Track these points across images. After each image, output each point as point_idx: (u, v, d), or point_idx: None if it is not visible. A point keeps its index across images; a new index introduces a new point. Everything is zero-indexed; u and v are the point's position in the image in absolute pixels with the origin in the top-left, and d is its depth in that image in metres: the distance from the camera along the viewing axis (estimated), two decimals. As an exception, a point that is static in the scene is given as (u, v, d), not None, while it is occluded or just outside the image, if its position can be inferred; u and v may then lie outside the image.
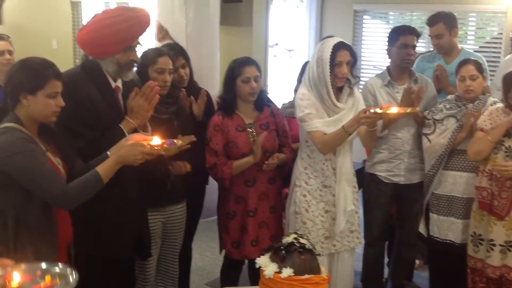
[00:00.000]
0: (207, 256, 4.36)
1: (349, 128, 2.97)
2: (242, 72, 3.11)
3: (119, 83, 2.67)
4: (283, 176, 3.36)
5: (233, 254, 3.30)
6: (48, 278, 1.70)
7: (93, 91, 2.54)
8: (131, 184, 2.71)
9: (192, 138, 2.81)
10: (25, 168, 2.14)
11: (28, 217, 2.21)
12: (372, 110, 2.91)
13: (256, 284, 2.25)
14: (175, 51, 3.27)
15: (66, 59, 6.62)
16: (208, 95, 3.49)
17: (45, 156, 2.22)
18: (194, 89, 3.41)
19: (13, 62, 3.65)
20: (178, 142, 2.46)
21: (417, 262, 4.30)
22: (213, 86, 4.50)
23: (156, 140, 2.41)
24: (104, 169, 2.29)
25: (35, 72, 2.21)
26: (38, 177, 2.16)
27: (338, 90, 3.13)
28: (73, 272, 1.73)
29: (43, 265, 1.77)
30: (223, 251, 3.40)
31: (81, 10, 7.61)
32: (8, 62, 3.70)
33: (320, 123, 3.07)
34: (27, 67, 2.23)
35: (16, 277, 1.61)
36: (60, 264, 1.77)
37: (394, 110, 3.02)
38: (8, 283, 1.59)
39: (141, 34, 2.60)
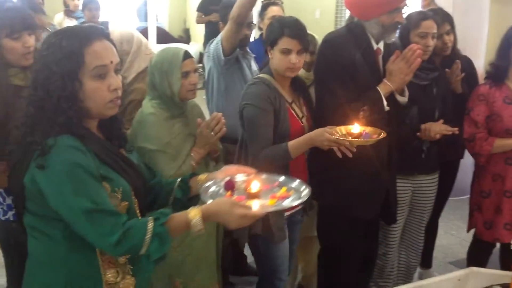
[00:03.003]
0: (452, 234, 4.17)
1: None
2: None
3: (380, 45, 2.65)
4: None
5: (483, 234, 3.09)
6: (283, 189, 1.78)
7: (355, 52, 2.57)
8: (383, 148, 2.70)
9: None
10: (248, 118, 2.48)
11: None
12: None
13: (507, 269, 2.07)
14: (441, 17, 3.13)
15: (327, 29, 6.81)
16: (471, 65, 3.29)
17: (271, 118, 2.45)
18: (456, 57, 3.23)
19: None
20: (380, 134, 2.27)
21: None
22: (478, 56, 4.21)
23: (356, 128, 2.31)
24: (294, 145, 2.40)
25: (272, 29, 2.50)
26: (252, 130, 2.48)
27: None
28: (307, 188, 1.78)
29: (282, 178, 1.86)
30: (471, 230, 3.21)
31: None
32: None
33: None
34: (270, 25, 2.57)
35: (256, 185, 1.72)
36: (297, 180, 1.84)
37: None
38: (248, 188, 1.72)
39: (409, -4, 2.55)
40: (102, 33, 1.61)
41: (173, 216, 1.58)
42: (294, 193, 1.76)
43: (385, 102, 2.55)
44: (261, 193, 1.72)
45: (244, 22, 3.00)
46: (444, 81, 3.05)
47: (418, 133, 2.91)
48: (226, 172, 1.84)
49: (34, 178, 1.53)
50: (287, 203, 1.70)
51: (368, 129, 2.33)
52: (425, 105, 2.92)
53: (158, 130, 2.40)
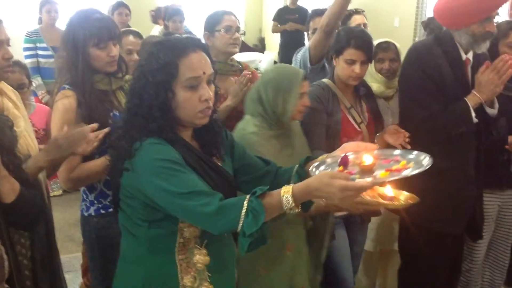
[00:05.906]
0: (539, 252, 3.97)
1: None
2: None
3: (469, 55, 2.59)
4: None
5: None
6: (403, 163, 1.62)
7: (443, 63, 2.52)
8: (470, 161, 2.63)
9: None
10: (304, 119, 2.44)
11: None
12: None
13: None
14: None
15: (405, 38, 6.70)
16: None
17: (322, 118, 2.51)
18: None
19: None
20: (406, 200, 1.78)
21: None
22: None
23: (388, 191, 1.79)
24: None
25: (339, 38, 2.57)
26: (306, 129, 2.49)
27: None
28: (427, 158, 1.61)
29: (398, 152, 1.73)
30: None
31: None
32: None
33: None
34: (337, 34, 2.64)
35: (368, 158, 1.61)
36: (415, 152, 1.68)
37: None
38: (361, 162, 1.62)
39: (501, 5, 2.47)
40: (198, 44, 1.65)
41: (269, 193, 1.52)
42: (414, 165, 1.58)
43: (473, 114, 2.49)
44: (376, 167, 1.58)
45: (332, 32, 2.96)
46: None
47: (506, 146, 2.80)
48: (345, 149, 1.73)
49: (125, 180, 1.63)
50: (406, 172, 1.52)
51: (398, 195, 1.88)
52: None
53: (261, 150, 2.22)
